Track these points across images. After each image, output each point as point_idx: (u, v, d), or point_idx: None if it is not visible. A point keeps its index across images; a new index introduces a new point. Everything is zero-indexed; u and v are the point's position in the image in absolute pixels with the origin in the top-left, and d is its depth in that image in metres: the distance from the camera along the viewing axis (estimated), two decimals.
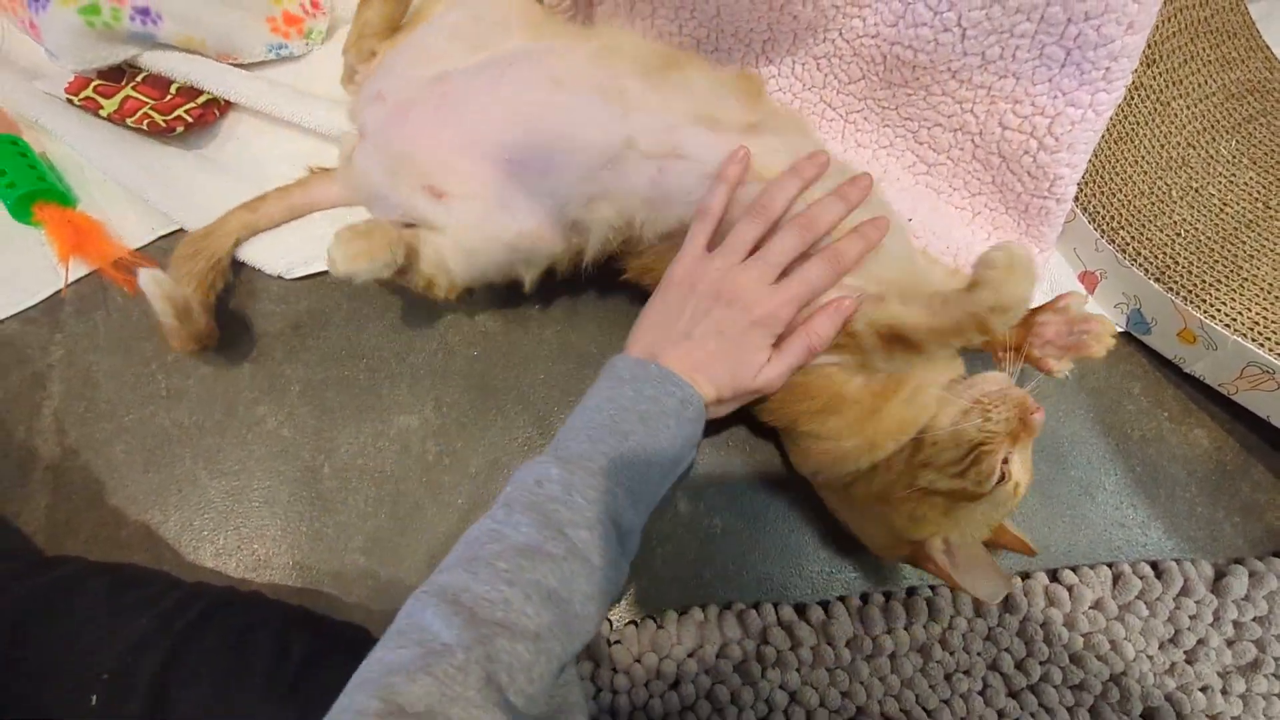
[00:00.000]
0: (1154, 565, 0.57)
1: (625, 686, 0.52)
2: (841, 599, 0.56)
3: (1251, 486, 0.61)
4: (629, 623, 0.55)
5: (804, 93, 0.64)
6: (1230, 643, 0.55)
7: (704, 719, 0.51)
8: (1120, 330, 0.64)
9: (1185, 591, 0.56)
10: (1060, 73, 0.54)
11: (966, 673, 0.54)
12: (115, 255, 0.62)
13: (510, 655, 0.31)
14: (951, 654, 0.54)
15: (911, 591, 0.56)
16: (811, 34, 0.60)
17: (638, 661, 0.53)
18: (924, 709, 0.53)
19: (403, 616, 0.33)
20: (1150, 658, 0.54)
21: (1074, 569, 0.57)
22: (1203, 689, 0.54)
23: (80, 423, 0.60)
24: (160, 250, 0.63)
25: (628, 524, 0.39)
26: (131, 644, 0.41)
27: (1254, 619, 0.55)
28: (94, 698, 0.40)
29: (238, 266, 0.62)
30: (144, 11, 0.61)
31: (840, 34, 0.59)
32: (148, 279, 0.52)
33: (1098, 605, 0.56)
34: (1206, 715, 0.54)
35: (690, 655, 0.53)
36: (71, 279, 0.62)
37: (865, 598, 0.56)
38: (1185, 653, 0.55)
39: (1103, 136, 0.62)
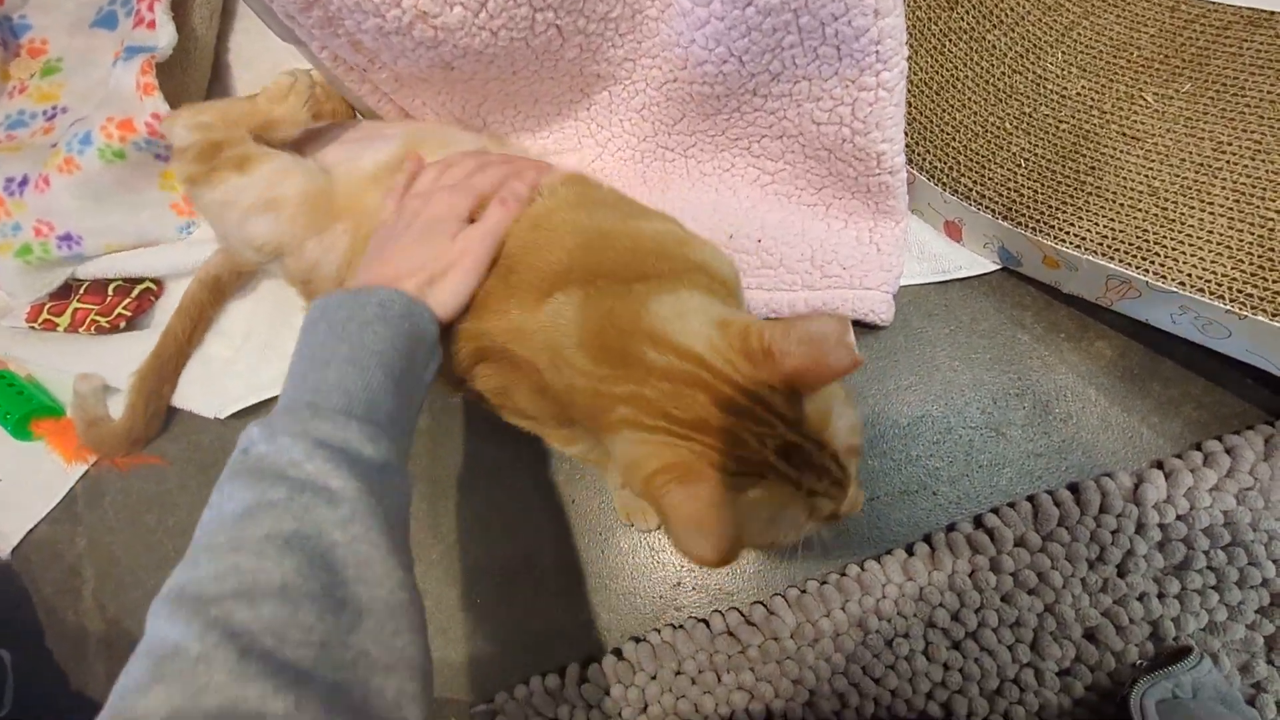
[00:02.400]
0: (1073, 488, 0.59)
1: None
2: (780, 594, 0.60)
3: (1162, 384, 0.61)
4: (588, 661, 0.61)
5: (641, 145, 0.68)
6: (1160, 545, 0.56)
7: None
8: (997, 267, 0.65)
9: (1105, 508, 0.57)
10: (840, 65, 0.56)
11: (905, 636, 0.57)
12: None
13: (257, 619, 0.29)
14: (888, 621, 0.57)
15: (842, 573, 0.60)
16: (622, 90, 0.64)
17: (606, 693, 0.58)
18: (872, 678, 0.57)
19: (140, 641, 0.30)
20: (1082, 580, 0.56)
21: (996, 511, 0.59)
22: (1139, 598, 0.56)
23: (115, 595, 0.70)
24: None
25: (361, 440, 0.36)
26: None
27: (1177, 518, 0.56)
28: None
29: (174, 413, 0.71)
30: (66, 238, 0.71)
31: (647, 85, 0.63)
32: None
33: (1021, 542, 0.58)
34: (1146, 622, 0.55)
35: (653, 679, 0.59)
36: (82, 473, 0.73)
37: (803, 588, 0.60)
38: (1116, 567, 0.56)
39: (922, 92, 0.63)
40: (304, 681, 0.28)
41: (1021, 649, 0.56)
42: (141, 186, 0.72)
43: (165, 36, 0.70)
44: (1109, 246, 0.55)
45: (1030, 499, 0.59)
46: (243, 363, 0.72)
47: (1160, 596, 0.55)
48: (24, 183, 0.70)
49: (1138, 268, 0.54)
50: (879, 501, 0.62)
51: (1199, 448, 0.58)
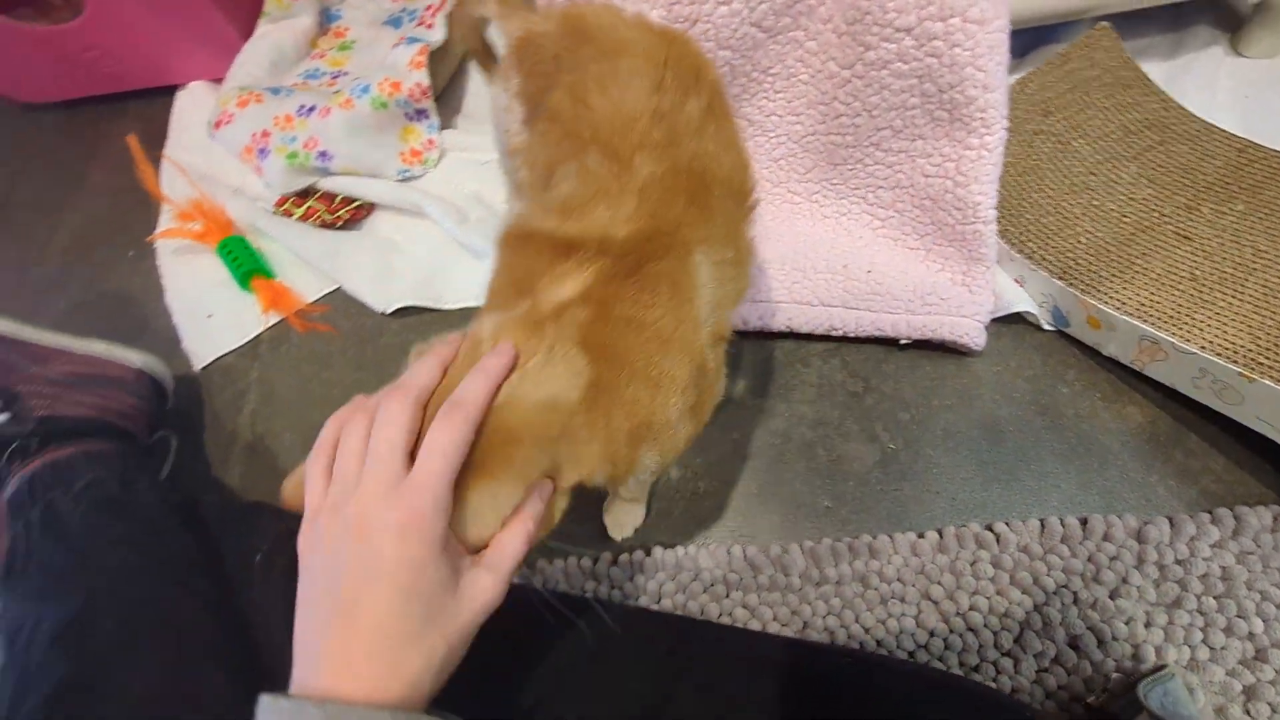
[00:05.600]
0: (1082, 521, 0.65)
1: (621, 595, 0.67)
2: (797, 542, 0.69)
3: (1185, 454, 0.68)
4: (638, 548, 0.71)
5: (773, 190, 0.84)
6: (1156, 582, 0.61)
7: (677, 627, 0.64)
8: (1050, 328, 0.75)
9: (1107, 538, 0.63)
10: (951, 127, 0.71)
11: (901, 599, 0.64)
12: (296, 307, 0.92)
13: None
14: (888, 583, 0.64)
15: (856, 537, 0.68)
16: (765, 140, 0.81)
17: (630, 581, 0.68)
18: (862, 626, 0.63)
19: None
20: (1074, 593, 0.62)
21: (1007, 523, 0.66)
22: (1126, 621, 0.60)
23: (266, 419, 0.87)
24: (326, 302, 0.92)
25: None
26: (269, 537, 0.63)
27: (1175, 562, 0.61)
28: (256, 558, 0.61)
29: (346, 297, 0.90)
30: (323, 154, 0.95)
31: (788, 138, 0.80)
32: None
33: (1024, 549, 0.64)
34: (1129, 643, 0.59)
35: (672, 579, 0.68)
36: (269, 324, 0.92)
37: (817, 542, 0.68)
38: (1110, 590, 0.61)
39: (1009, 172, 0.77)
40: None
41: (1005, 636, 0.61)
42: (386, 132, 0.96)
43: (439, 34, 0.97)
44: (1145, 312, 0.65)
45: (1041, 520, 0.66)
46: (410, 270, 0.91)
47: (1147, 625, 0.60)
48: (311, 110, 0.95)
49: (1166, 331, 0.63)
50: (902, 492, 0.70)
51: (1210, 513, 0.64)
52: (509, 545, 0.34)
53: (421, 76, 0.94)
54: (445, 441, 0.32)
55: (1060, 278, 0.70)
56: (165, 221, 1.01)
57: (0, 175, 1.16)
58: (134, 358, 0.79)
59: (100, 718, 0.43)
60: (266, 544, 0.61)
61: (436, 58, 0.97)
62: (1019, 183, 0.76)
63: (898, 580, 0.64)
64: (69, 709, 0.44)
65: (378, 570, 0.30)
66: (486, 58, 0.73)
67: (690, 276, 0.45)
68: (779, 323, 0.78)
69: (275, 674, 0.55)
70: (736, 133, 0.52)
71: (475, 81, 1.07)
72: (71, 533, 0.55)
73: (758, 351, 0.80)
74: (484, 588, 0.33)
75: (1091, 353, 0.73)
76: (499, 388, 0.35)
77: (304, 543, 0.34)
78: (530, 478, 0.35)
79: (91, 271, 1.02)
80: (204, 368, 0.92)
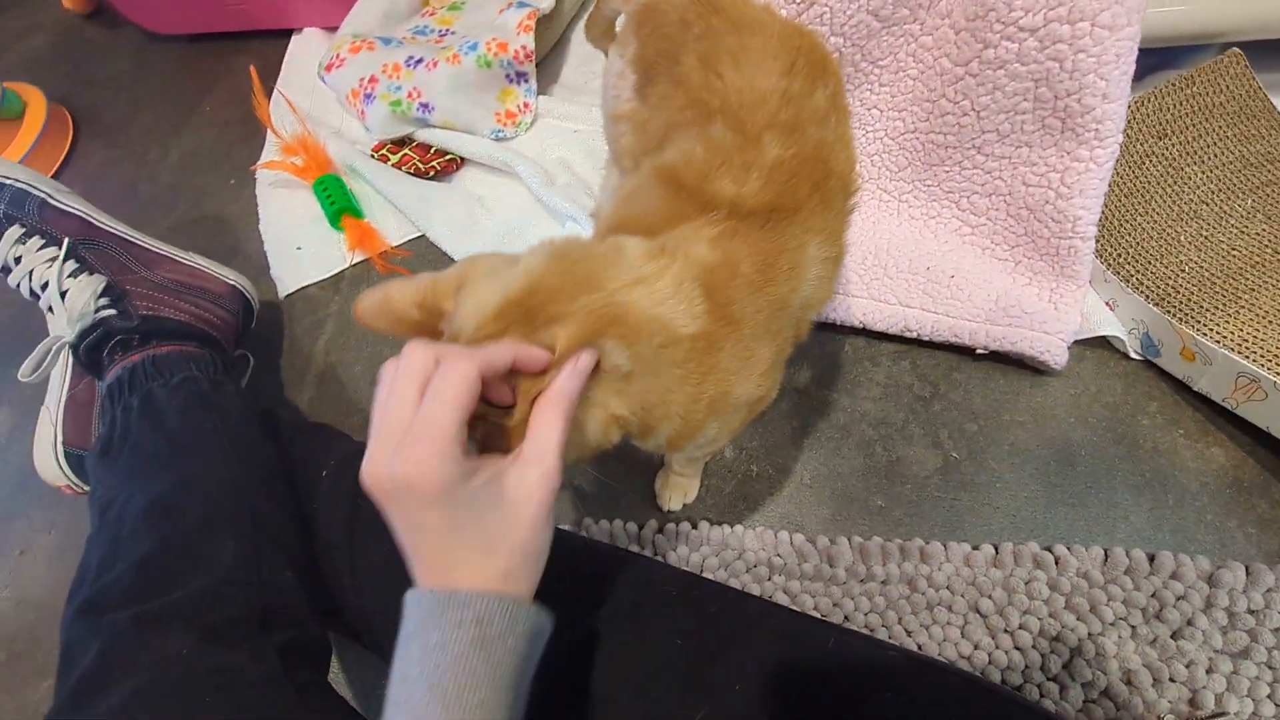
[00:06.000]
0: (1150, 557, 0.63)
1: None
2: (847, 536, 0.68)
3: (1270, 504, 0.64)
4: (684, 520, 0.71)
5: (864, 185, 0.83)
6: (1224, 629, 0.58)
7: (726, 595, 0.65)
8: (1137, 356, 0.72)
9: (1176, 576, 0.60)
10: (1061, 136, 0.69)
11: (949, 608, 0.62)
12: (381, 249, 0.95)
13: None
14: (936, 590, 0.63)
15: (908, 537, 0.67)
16: (862, 134, 0.80)
17: (673, 550, 0.68)
18: (904, 628, 0.62)
19: None
20: (1133, 627, 0.59)
21: (1069, 547, 0.64)
22: (1187, 664, 0.58)
23: (339, 348, 0.91)
24: (409, 247, 0.95)
25: None
26: (340, 455, 0.65)
27: (1248, 611, 0.58)
28: (324, 473, 0.64)
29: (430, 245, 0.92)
30: (425, 105, 0.98)
31: (886, 134, 0.79)
32: None
33: (1084, 575, 0.62)
34: (1188, 686, 0.57)
35: (716, 555, 0.68)
36: (353, 261, 0.96)
37: (867, 539, 0.67)
38: (1172, 630, 0.59)
39: (1114, 192, 0.74)
40: None
41: (1054, 660, 0.59)
42: (486, 91, 0.99)
43: (548, 1, 0.98)
44: (1248, 348, 0.62)
45: (1105, 550, 0.64)
46: (492, 225, 0.94)
47: (1209, 671, 0.57)
48: (419, 61, 0.98)
49: (1269, 369, 0.60)
50: (960, 502, 0.69)
51: None
52: (543, 429, 0.34)
53: (527, 40, 0.96)
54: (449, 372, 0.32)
55: (1157, 304, 0.67)
56: (269, 153, 1.06)
57: (124, 99, 1.23)
58: (229, 275, 0.83)
59: (182, 588, 0.46)
60: (334, 460, 0.64)
61: (542, 25, 0.99)
62: (1123, 203, 0.73)
63: (946, 588, 0.63)
64: (153, 577, 0.47)
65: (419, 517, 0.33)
66: (605, 39, 0.75)
67: (801, 266, 0.45)
68: (853, 317, 0.77)
69: (332, 587, 0.58)
70: (850, 130, 0.52)
71: (575, 54, 1.09)
72: (167, 420, 0.58)
73: (828, 344, 0.79)
74: (534, 482, 0.33)
75: (1179, 386, 0.70)
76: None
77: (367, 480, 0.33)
78: (615, 363, 0.36)
79: (195, 194, 1.08)
80: (287, 295, 0.96)
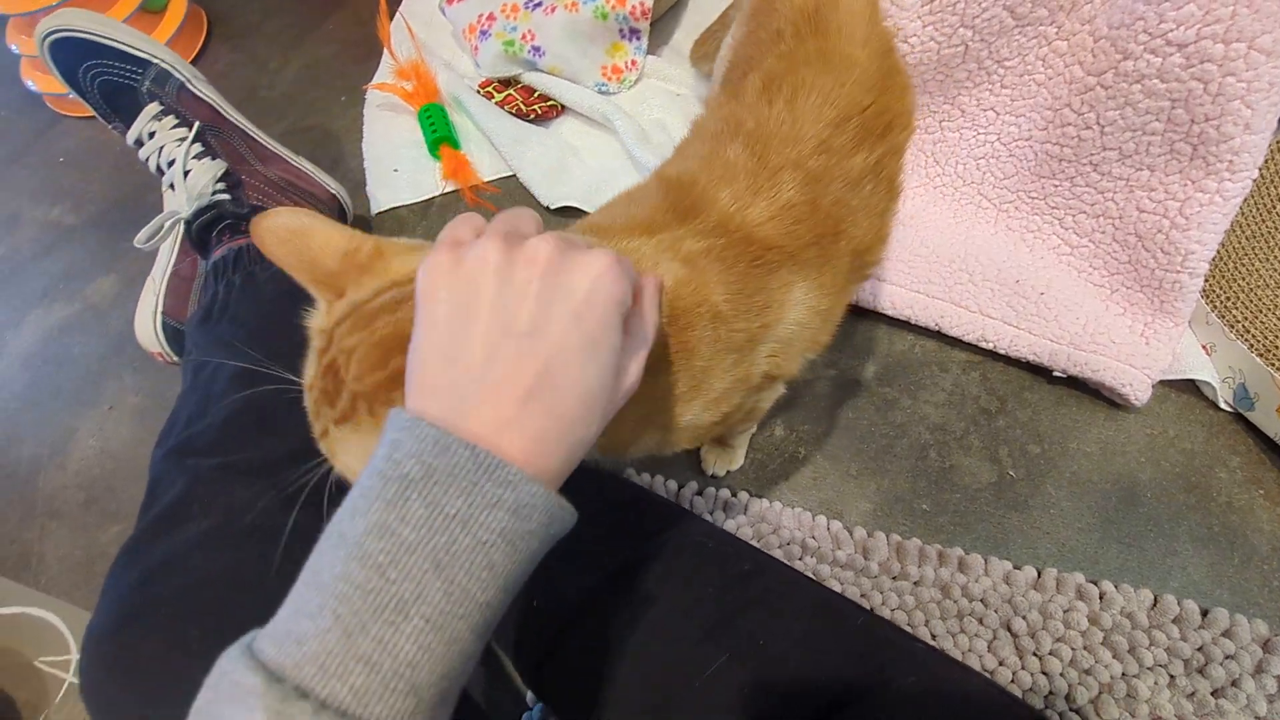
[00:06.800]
0: (1204, 611, 0.60)
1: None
2: (885, 532, 0.67)
3: None
4: (725, 487, 0.72)
5: (964, 188, 0.81)
6: (1270, 699, 0.56)
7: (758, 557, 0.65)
8: (1228, 407, 0.69)
9: (1228, 635, 0.58)
10: (1189, 164, 0.65)
11: (980, 620, 0.61)
12: (473, 182, 0.98)
13: None
14: (970, 600, 0.62)
15: (949, 545, 0.66)
16: (974, 135, 0.77)
17: (709, 514, 0.69)
18: (930, 631, 0.61)
19: None
20: (1172, 676, 0.57)
21: (1116, 585, 0.62)
22: None
23: None
24: (499, 185, 0.98)
25: None
26: None
27: None
28: None
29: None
30: (536, 49, 0.99)
31: (999, 138, 0.76)
32: None
33: (1128, 615, 0.60)
34: None
35: (751, 526, 0.68)
36: (444, 190, 0.99)
37: (906, 538, 0.67)
38: (1214, 687, 0.57)
39: (1235, 231, 0.70)
40: None
41: (1081, 693, 0.58)
42: (598, 43, 1.00)
43: None
44: None
45: (1155, 595, 0.61)
46: (582, 174, 0.95)
47: None
48: (538, 5, 1.00)
49: None
50: (1009, 521, 0.67)
51: None
52: (650, 313, 0.32)
53: None
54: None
55: (1262, 355, 0.64)
56: (382, 75, 1.10)
57: (257, 7, 1.29)
58: (331, 184, 0.87)
59: (264, 450, 0.49)
60: None
61: None
62: (1243, 245, 0.69)
63: (980, 601, 0.62)
64: (239, 435, 0.50)
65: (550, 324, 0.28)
66: (705, 62, 0.74)
67: (780, 308, 0.44)
68: (928, 318, 0.75)
69: None
70: (891, 204, 0.50)
71: (690, 20, 1.09)
72: (265, 300, 0.62)
73: (897, 341, 0.78)
74: (632, 373, 0.31)
75: (1268, 445, 0.66)
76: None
77: (438, 271, 0.29)
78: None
79: (306, 106, 1.13)
80: (379, 213, 1.00)
